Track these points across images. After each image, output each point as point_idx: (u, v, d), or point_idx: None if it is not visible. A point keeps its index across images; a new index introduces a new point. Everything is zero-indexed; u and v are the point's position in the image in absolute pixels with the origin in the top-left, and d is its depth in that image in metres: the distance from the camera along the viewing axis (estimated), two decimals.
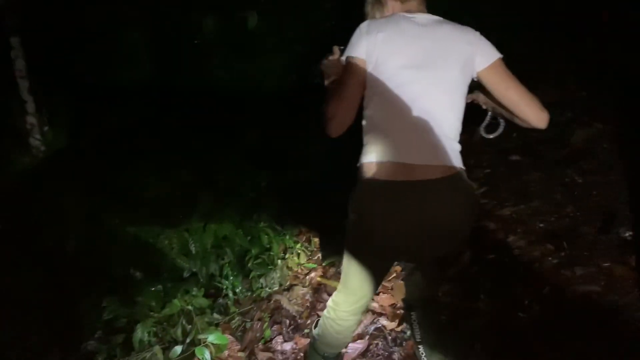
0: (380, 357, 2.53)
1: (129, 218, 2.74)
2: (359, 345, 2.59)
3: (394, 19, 1.75)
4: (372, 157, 1.69)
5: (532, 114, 1.71)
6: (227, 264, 3.19)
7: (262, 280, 3.32)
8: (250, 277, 3.30)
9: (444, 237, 1.73)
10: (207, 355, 2.55)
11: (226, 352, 2.71)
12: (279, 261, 3.46)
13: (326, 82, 1.84)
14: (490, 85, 1.74)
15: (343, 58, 1.75)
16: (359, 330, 2.68)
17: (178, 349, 2.57)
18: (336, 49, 1.85)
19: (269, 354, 2.71)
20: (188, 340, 2.66)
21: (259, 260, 3.34)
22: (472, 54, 1.71)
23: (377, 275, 1.85)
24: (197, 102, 3.61)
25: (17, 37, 3.49)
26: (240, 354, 2.73)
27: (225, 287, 3.14)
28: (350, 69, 1.70)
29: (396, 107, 1.66)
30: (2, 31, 3.49)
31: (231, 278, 3.18)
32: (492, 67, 1.72)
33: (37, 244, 2.89)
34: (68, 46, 3.95)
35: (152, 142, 3.21)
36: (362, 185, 1.70)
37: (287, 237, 3.43)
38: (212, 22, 4.18)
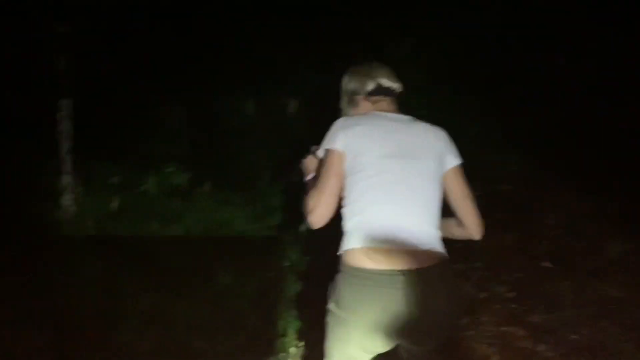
0: None
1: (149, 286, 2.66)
2: None
3: (369, 115, 1.88)
4: (354, 243, 1.68)
5: (476, 224, 1.82)
6: None
7: None
8: None
9: (432, 330, 1.69)
10: None
11: None
12: (293, 349, 3.28)
13: (305, 179, 1.95)
14: (451, 187, 1.81)
15: (320, 153, 1.84)
16: None
17: None
18: (314, 147, 1.94)
19: None
20: None
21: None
22: (444, 151, 1.83)
23: None
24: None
25: (68, 99, 3.64)
26: None
27: None
28: (329, 162, 1.78)
29: (377, 194, 1.70)
30: (54, 92, 3.65)
31: None
32: (458, 170, 1.83)
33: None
34: (113, 115, 4.12)
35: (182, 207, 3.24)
36: (344, 274, 1.69)
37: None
38: (252, 106, 4.35)
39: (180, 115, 4.38)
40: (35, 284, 2.94)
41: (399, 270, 1.62)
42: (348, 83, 1.99)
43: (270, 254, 3.22)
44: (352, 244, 1.69)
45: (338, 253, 1.74)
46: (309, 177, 1.95)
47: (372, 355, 1.79)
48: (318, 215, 1.73)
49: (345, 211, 1.75)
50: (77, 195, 3.77)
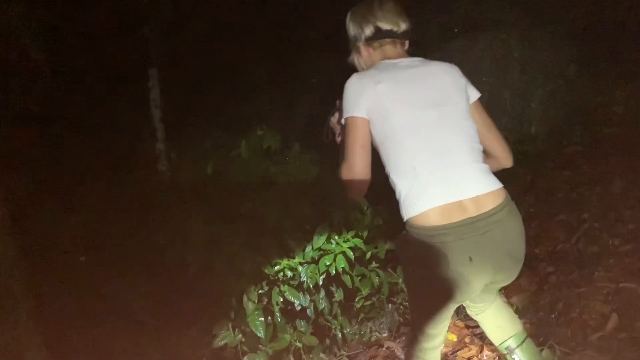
0: None
1: (249, 245, 2.69)
2: None
3: (382, 67, 1.75)
4: (422, 205, 1.65)
5: (506, 152, 1.84)
6: (336, 303, 3.03)
7: (370, 323, 3.17)
8: (359, 319, 3.14)
9: (517, 262, 1.75)
10: None
11: None
12: (389, 305, 3.25)
13: (338, 139, 1.86)
14: (476, 119, 1.79)
15: (342, 120, 1.73)
16: None
17: None
18: (338, 102, 1.83)
19: None
20: None
21: (369, 302, 3.18)
22: (465, 85, 1.80)
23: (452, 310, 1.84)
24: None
25: (155, 68, 3.69)
26: None
27: (334, 326, 3.00)
28: (353, 132, 1.69)
29: (424, 152, 1.66)
30: (144, 62, 3.71)
31: (340, 318, 3.03)
32: (478, 103, 1.82)
33: (159, 265, 2.94)
34: (200, 80, 4.15)
35: (275, 169, 3.21)
36: (420, 237, 1.66)
37: (401, 280, 3.21)
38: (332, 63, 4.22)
39: (264, 76, 4.34)
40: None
41: (475, 216, 1.64)
42: (349, 28, 1.87)
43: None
44: (420, 206, 1.65)
45: (405, 219, 1.70)
46: (339, 138, 1.85)
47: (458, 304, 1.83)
48: (355, 190, 1.70)
49: (394, 178, 1.70)
50: (172, 162, 3.86)
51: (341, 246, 2.86)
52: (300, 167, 3.29)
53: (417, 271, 1.73)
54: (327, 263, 2.80)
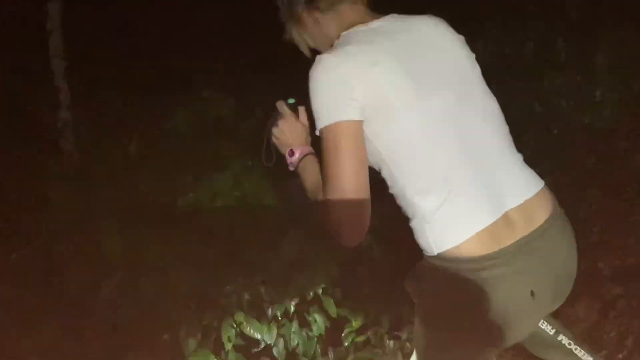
0: None
1: (187, 257, 2.70)
2: None
3: (358, 39, 1.70)
4: (463, 231, 1.63)
5: None
6: (314, 338, 3.05)
7: None
8: None
9: (571, 280, 1.81)
10: None
11: None
12: (391, 342, 3.30)
13: (292, 159, 1.85)
14: None
15: (320, 128, 1.63)
16: None
17: None
18: (281, 104, 1.87)
19: None
20: None
21: (362, 337, 3.18)
22: (465, 44, 1.81)
23: None
24: None
25: (55, 1, 3.63)
26: None
27: None
28: (342, 143, 1.61)
29: (456, 154, 1.66)
30: None
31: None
32: None
33: (58, 286, 2.94)
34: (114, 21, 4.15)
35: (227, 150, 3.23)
36: (467, 272, 1.63)
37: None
38: None
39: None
40: None
41: (528, 235, 1.66)
42: None
43: None
44: (462, 232, 1.63)
45: (434, 252, 1.66)
46: (293, 157, 1.84)
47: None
48: (353, 230, 1.66)
49: (413, 198, 1.67)
50: (80, 137, 3.83)
51: (322, 258, 2.92)
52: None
53: (449, 316, 1.72)
54: (302, 282, 2.84)
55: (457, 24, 1.83)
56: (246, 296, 2.81)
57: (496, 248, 1.61)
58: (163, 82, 3.81)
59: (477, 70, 1.79)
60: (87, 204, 3.28)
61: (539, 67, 4.81)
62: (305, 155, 1.84)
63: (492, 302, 1.62)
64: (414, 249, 1.74)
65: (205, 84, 3.48)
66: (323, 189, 1.65)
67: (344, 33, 1.74)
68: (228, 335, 2.72)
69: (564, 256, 1.75)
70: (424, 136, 1.64)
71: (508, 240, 1.63)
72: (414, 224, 1.69)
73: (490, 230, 1.62)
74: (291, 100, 1.90)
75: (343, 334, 3.13)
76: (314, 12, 1.78)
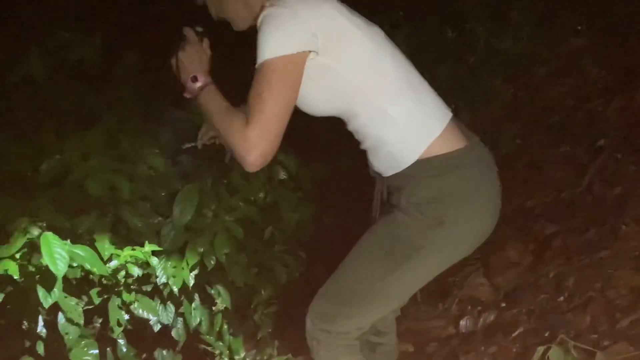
0: None
1: (58, 226, 2.49)
2: None
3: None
4: (430, 131, 2.00)
5: None
6: (220, 313, 3.05)
7: (277, 341, 3.31)
8: (258, 337, 3.25)
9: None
10: None
11: None
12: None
13: (195, 85, 2.03)
14: None
15: (262, 61, 1.89)
16: None
17: None
18: (189, 30, 2.08)
19: None
20: None
21: (273, 309, 3.29)
22: None
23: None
24: None
25: None
26: None
27: (218, 351, 3.06)
28: (287, 74, 1.90)
29: (402, 65, 2.08)
30: None
31: (228, 337, 3.09)
32: None
33: None
34: None
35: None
36: (440, 169, 1.98)
37: None
38: None
39: None
40: None
41: (475, 144, 2.10)
42: None
43: None
44: (428, 132, 2.00)
45: (409, 162, 1.99)
46: (196, 84, 2.03)
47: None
48: (262, 162, 1.90)
49: (387, 106, 2.00)
50: None
51: (223, 219, 2.89)
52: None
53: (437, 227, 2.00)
54: (201, 249, 2.81)
55: None
56: (134, 270, 2.67)
57: (460, 146, 2.00)
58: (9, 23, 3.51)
59: None
60: None
61: None
62: (207, 85, 2.02)
63: (470, 194, 2.01)
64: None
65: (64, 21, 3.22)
66: (245, 116, 1.90)
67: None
68: (117, 318, 2.67)
69: (495, 180, 2.12)
70: (380, 51, 2.03)
71: (456, 144, 2.00)
72: (386, 137, 2.00)
73: (450, 131, 2.03)
74: (199, 28, 2.10)
75: (252, 306, 3.22)
76: None
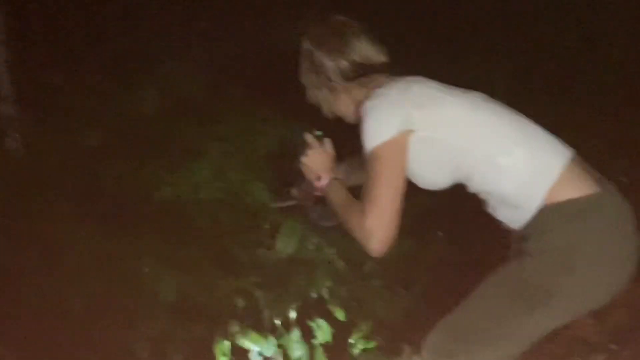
0: None
1: (167, 258, 2.61)
2: None
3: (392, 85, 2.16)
4: (546, 177, 2.02)
5: None
6: (319, 347, 3.04)
7: None
8: None
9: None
10: None
11: None
12: (406, 347, 3.18)
13: (321, 183, 2.31)
14: None
15: (369, 150, 2.05)
16: None
17: None
18: (309, 136, 2.34)
19: None
20: None
21: (372, 344, 3.19)
22: None
23: None
24: None
25: None
26: None
27: None
28: (391, 160, 2.03)
29: (501, 119, 2.13)
30: None
31: None
32: None
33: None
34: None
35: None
36: (574, 220, 1.99)
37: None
38: None
39: None
40: None
41: (601, 192, 2.02)
42: (322, 59, 2.19)
43: None
44: (546, 176, 2.01)
45: (534, 202, 2.01)
46: (322, 182, 2.30)
47: None
48: (384, 246, 2.03)
49: (495, 162, 2.06)
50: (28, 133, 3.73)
51: (324, 252, 2.93)
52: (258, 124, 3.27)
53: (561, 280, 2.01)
54: (302, 282, 2.86)
55: None
56: (239, 302, 2.76)
57: (590, 192, 1.98)
58: (120, 62, 3.69)
59: None
60: (42, 209, 3.13)
61: None
62: (330, 182, 2.28)
63: (603, 243, 1.99)
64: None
65: (172, 58, 3.37)
66: (361, 205, 2.05)
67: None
68: (221, 349, 2.71)
69: (630, 231, 2.04)
70: (480, 110, 2.10)
71: (585, 190, 1.99)
72: (503, 189, 2.06)
73: (574, 175, 2.02)
74: (318, 133, 2.34)
75: (351, 341, 3.13)
76: (351, 85, 2.21)
